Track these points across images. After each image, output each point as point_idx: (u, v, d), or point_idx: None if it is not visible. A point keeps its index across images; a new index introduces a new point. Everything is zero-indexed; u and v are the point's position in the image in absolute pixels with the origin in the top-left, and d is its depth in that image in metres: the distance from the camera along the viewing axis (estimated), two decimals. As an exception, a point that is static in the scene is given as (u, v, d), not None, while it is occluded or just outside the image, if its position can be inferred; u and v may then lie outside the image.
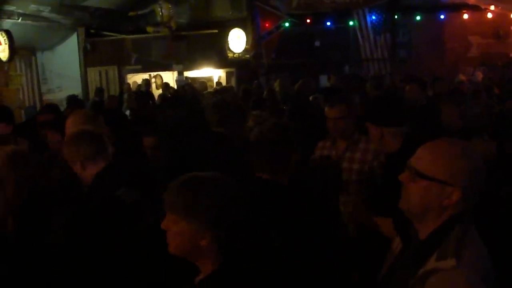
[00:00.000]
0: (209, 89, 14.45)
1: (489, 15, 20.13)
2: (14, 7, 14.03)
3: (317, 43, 19.93)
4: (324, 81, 16.49)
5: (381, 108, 4.19)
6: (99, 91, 14.94)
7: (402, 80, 12.26)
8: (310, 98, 9.17)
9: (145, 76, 18.07)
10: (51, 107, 7.69)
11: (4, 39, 13.35)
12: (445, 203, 2.37)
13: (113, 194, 3.49)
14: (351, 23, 19.51)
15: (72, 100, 11.51)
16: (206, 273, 2.27)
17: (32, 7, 14.40)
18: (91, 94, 16.89)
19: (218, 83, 16.02)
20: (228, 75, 18.68)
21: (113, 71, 18.49)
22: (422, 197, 2.40)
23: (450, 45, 20.54)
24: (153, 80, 17.87)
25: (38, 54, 17.34)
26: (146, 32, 17.97)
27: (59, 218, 3.37)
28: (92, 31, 18.08)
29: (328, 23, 19.70)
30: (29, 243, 3.21)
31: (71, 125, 4.64)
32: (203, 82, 15.47)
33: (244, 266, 2.26)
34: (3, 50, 13.49)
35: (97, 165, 3.68)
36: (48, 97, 17.31)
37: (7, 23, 13.92)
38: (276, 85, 12.14)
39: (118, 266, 3.23)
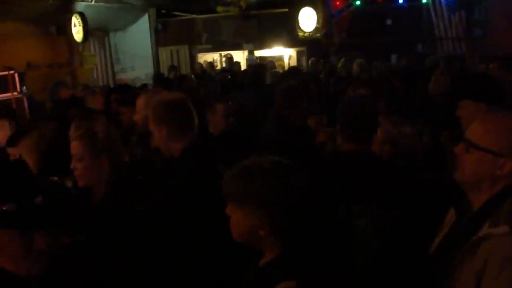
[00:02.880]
0: (278, 69, 14.29)
1: None
2: (88, -10, 14.30)
3: (389, 22, 19.52)
4: (395, 61, 16.21)
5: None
6: (172, 68, 15.09)
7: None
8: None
9: (216, 55, 18.16)
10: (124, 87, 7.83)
11: (79, 21, 13.67)
12: (497, 173, 2.47)
13: (210, 163, 3.41)
14: (424, 0, 19.04)
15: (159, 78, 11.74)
16: (269, 257, 2.25)
17: (105, -11, 14.67)
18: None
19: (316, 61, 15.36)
20: (299, 54, 18.55)
21: (184, 50, 18.69)
22: (475, 168, 2.51)
23: (529, 22, 19.71)
24: (223, 59, 17.93)
25: (111, 35, 17.63)
26: (216, 12, 18.01)
27: (141, 191, 3.43)
28: (163, 11, 18.28)
29: (401, 1, 19.26)
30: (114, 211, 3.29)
31: (143, 105, 4.65)
32: (271, 61, 15.32)
33: (307, 252, 2.23)
34: (78, 32, 13.81)
35: (184, 140, 3.53)
36: (120, 76, 17.60)
37: (81, 5, 14.18)
38: (355, 65, 11.95)
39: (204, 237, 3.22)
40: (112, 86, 14.88)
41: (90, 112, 6.28)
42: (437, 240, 2.80)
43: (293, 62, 17.77)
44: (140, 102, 4.73)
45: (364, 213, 3.12)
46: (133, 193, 3.40)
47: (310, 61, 14.50)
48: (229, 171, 2.27)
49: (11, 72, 10.78)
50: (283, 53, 18.74)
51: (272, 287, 2.09)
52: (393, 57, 16.41)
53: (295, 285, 2.06)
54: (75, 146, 3.47)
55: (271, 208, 2.13)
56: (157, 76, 13.08)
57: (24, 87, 10.92)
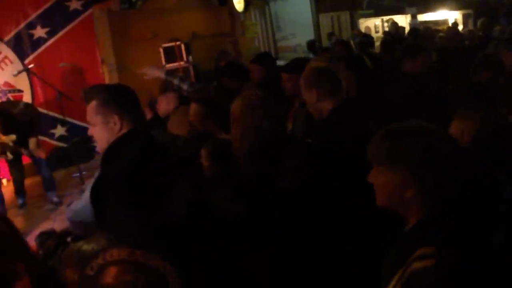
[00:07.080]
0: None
1: None
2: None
3: None
4: None
5: None
6: (330, 35, 15.03)
7: None
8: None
9: (377, 21, 17.81)
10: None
11: (239, -9, 13.98)
12: None
13: (361, 127, 3.42)
14: None
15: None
16: (412, 224, 2.20)
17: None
18: (324, 40, 17.07)
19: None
20: (465, 18, 17.73)
21: (344, 16, 18.55)
22: None
23: None
24: (385, 24, 17.55)
25: (271, 3, 17.85)
26: (378, -24, 17.66)
27: (292, 161, 3.37)
28: (324, -23, 18.19)
29: None
30: (263, 184, 3.29)
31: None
32: (428, 28, 14.56)
33: (452, 216, 2.14)
34: (239, 2, 14.16)
35: (334, 100, 3.75)
36: (281, 44, 17.79)
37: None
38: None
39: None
40: (273, 54, 15.08)
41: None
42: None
43: (459, 26, 16.96)
44: None
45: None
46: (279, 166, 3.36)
47: (479, 22, 13.73)
48: (377, 134, 2.24)
49: (178, 43, 11.33)
50: (448, 17, 17.98)
51: (413, 253, 2.04)
52: None
53: (434, 251, 1.99)
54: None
55: (420, 167, 2.10)
56: (312, 45, 13.06)
57: (190, 57, 11.50)
